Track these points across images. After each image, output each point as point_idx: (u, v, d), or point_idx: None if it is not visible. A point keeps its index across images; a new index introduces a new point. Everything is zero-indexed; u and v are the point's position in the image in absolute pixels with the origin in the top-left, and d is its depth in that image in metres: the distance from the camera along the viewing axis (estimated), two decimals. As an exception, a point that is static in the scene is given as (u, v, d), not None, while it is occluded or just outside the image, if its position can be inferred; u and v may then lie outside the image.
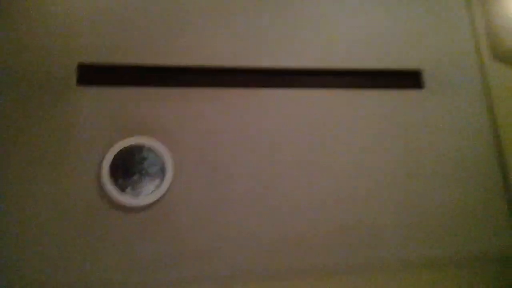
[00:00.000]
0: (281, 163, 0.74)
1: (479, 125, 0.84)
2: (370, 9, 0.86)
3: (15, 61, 0.69)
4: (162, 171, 0.69)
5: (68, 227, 0.64)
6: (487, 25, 0.87)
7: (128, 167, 0.68)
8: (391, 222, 0.75)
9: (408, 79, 0.84)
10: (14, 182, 0.64)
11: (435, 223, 0.77)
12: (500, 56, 0.84)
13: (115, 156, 0.68)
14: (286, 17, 0.82)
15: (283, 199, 0.72)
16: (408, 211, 0.76)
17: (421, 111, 0.82)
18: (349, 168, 0.76)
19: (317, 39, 0.82)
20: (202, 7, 0.79)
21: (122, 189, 0.67)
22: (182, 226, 0.68)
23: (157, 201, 0.67)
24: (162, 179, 0.68)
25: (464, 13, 0.91)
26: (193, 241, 0.67)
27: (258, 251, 0.69)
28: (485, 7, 0.88)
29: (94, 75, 0.72)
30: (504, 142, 0.83)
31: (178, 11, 0.77)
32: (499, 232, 0.79)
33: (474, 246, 0.77)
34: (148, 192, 0.67)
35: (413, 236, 0.75)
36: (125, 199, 0.66)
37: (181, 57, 0.75)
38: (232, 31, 0.79)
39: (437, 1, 0.90)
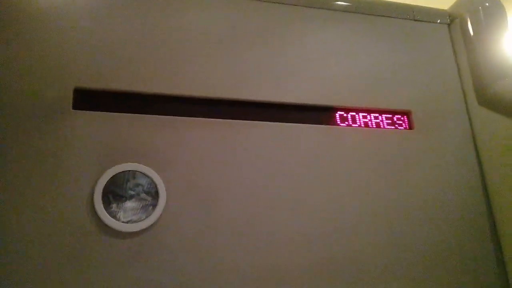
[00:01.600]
0: (269, 195, 0.75)
1: (467, 166, 0.87)
2: (362, 51, 0.90)
3: (11, 84, 0.68)
4: (155, 197, 0.69)
5: (56, 251, 0.63)
6: (472, 70, 0.90)
7: (121, 192, 0.68)
8: (376, 259, 0.76)
9: (398, 119, 0.87)
10: (2, 202, 0.63)
11: (420, 261, 0.78)
12: (484, 101, 0.87)
13: (108, 181, 0.68)
14: (279, 55, 0.84)
15: (270, 230, 0.73)
16: (393, 248, 0.77)
17: (410, 151, 0.85)
18: (336, 204, 0.77)
19: (310, 77, 0.84)
20: (199, 39, 0.80)
21: (114, 214, 0.67)
22: (173, 253, 0.67)
23: (149, 227, 0.67)
24: (154, 206, 0.68)
25: (451, 57, 0.95)
26: (183, 269, 0.67)
27: (244, 282, 0.69)
28: (469, 52, 0.91)
29: (89, 100, 0.72)
30: (489, 184, 0.85)
31: (174, 42, 0.79)
32: (485, 271, 0.80)
33: (460, 285, 0.78)
34: (141, 218, 0.67)
35: (398, 273, 0.76)
36: (117, 224, 0.65)
37: (176, 86, 0.76)
38: (227, 64, 0.80)
39: (426, 45, 0.95)
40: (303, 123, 0.81)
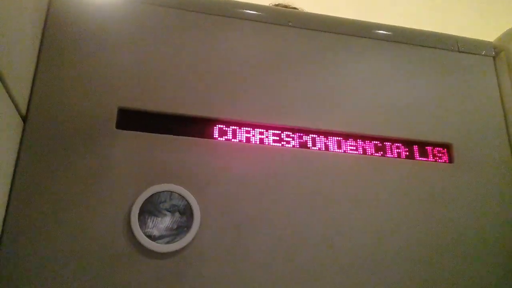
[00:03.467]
0: (308, 225, 0.74)
1: (509, 205, 0.84)
2: (403, 81, 0.89)
3: (58, 104, 0.72)
4: (189, 219, 0.70)
5: (92, 269, 0.64)
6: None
7: (157, 213, 0.69)
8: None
9: (438, 152, 0.85)
10: (42, 220, 0.65)
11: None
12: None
13: (145, 201, 0.69)
14: (319, 83, 0.85)
15: (306, 262, 0.72)
16: (428, 286, 0.75)
17: (450, 185, 0.82)
18: (373, 236, 0.76)
19: (349, 106, 0.84)
20: (240, 64, 0.82)
21: (149, 234, 0.68)
22: (205, 276, 0.68)
23: (182, 249, 0.68)
24: (189, 228, 0.69)
25: (495, 91, 0.93)
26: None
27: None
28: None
29: (133, 120, 0.74)
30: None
31: (216, 67, 0.81)
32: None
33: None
34: (174, 240, 0.68)
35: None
36: (152, 245, 0.67)
37: (217, 110, 0.78)
38: (267, 90, 0.82)
39: (469, 77, 0.93)
40: (342, 152, 0.81)
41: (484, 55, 0.96)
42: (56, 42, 0.75)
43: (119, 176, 0.70)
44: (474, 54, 0.95)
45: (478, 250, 0.79)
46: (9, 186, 0.65)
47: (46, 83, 0.72)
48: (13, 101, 0.63)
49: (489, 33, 1.01)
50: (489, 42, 0.98)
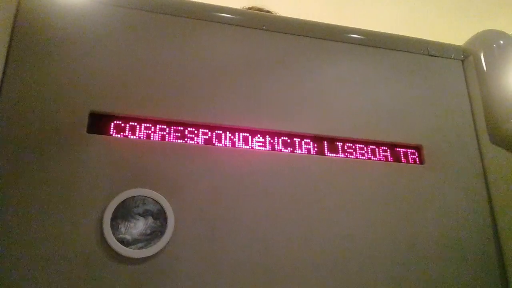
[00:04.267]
0: (279, 228, 0.74)
1: (477, 205, 0.86)
2: (374, 84, 0.91)
3: (27, 109, 0.70)
4: (163, 224, 0.69)
5: (65, 275, 0.63)
6: (485, 107, 0.90)
7: (130, 218, 0.69)
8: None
9: (408, 153, 0.87)
10: (12, 226, 0.64)
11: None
12: (497, 140, 0.87)
13: (117, 206, 0.68)
14: (293, 86, 0.85)
15: (278, 263, 0.72)
16: (401, 285, 0.76)
17: (420, 186, 0.84)
18: (345, 237, 0.77)
19: (322, 109, 0.85)
20: (214, 68, 0.82)
21: (122, 239, 0.67)
22: (180, 281, 0.67)
23: (156, 254, 0.67)
24: (163, 233, 0.69)
25: (464, 94, 0.95)
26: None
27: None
28: (482, 89, 0.91)
29: (104, 124, 0.73)
30: (500, 224, 0.84)
31: (190, 70, 0.80)
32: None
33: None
34: (148, 245, 0.67)
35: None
36: (124, 250, 0.66)
37: (190, 113, 0.78)
38: (241, 94, 0.82)
39: (439, 80, 0.95)
40: (313, 154, 0.82)
41: (453, 58, 0.98)
42: (25, 45, 0.73)
43: (91, 181, 0.69)
44: (443, 57, 0.98)
45: (449, 250, 0.81)
46: (-24, 193, 0.64)
47: (15, 86, 0.70)
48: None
49: (459, 37, 1.03)
50: (458, 46, 1.00)
